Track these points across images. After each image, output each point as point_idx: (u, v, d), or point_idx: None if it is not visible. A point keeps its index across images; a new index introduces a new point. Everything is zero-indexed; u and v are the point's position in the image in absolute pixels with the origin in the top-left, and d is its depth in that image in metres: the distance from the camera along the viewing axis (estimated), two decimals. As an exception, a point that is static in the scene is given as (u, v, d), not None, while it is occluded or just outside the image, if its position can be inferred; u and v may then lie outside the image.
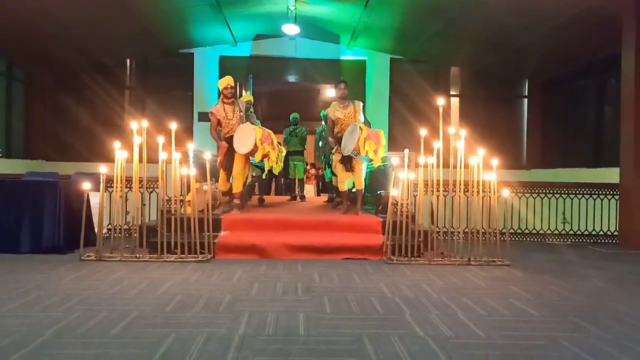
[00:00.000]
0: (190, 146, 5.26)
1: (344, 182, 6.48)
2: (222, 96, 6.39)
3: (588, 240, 7.34)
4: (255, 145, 5.88)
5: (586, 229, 7.31)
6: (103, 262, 4.93)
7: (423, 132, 5.51)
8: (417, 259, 5.27)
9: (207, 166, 5.35)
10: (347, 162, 6.28)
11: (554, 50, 9.37)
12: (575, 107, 10.21)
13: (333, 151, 6.48)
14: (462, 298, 3.72)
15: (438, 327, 2.98)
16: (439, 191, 5.43)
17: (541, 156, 11.06)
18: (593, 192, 7.41)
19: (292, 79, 11.46)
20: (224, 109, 6.33)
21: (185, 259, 5.04)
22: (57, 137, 10.81)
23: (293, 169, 9.75)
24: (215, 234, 5.65)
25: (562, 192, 7.45)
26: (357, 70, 10.95)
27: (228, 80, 6.36)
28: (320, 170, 15.04)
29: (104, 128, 10.61)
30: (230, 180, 6.48)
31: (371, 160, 6.13)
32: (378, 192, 6.72)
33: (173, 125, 5.37)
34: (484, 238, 5.31)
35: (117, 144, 5.27)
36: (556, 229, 7.33)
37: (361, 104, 6.51)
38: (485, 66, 10.89)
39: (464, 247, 5.31)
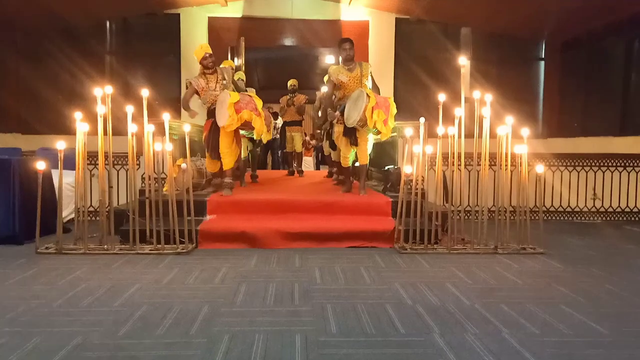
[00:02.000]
0: (166, 117, 4.42)
1: (347, 157, 5.65)
2: (201, 67, 5.52)
3: (622, 218, 6.57)
4: (230, 114, 5.05)
5: (619, 206, 6.53)
6: (63, 256, 4.15)
7: (442, 97, 4.66)
8: (435, 246, 4.50)
9: (187, 140, 4.51)
10: (351, 135, 5.45)
11: (575, 7, 8.42)
12: (598, 70, 9.28)
13: (334, 121, 5.63)
14: (500, 305, 2.95)
15: (482, 358, 2.21)
16: (460, 165, 4.60)
17: (559, 124, 10.19)
18: (625, 163, 6.60)
19: (288, 42, 10.48)
20: (205, 78, 5.47)
21: (161, 251, 4.26)
22: (35, 108, 9.92)
23: (290, 141, 8.93)
24: (200, 218, 4.87)
25: (591, 164, 6.63)
26: (360, 32, 9.96)
27: (204, 48, 5.48)
28: (320, 142, 14.21)
29: (81, 98, 9.70)
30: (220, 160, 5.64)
31: (379, 133, 5.29)
32: (387, 168, 5.90)
33: (145, 92, 4.51)
34: (512, 218, 4.53)
35: (78, 115, 4.42)
36: (585, 205, 6.54)
37: (370, 66, 5.63)
38: (499, 26, 9.91)
39: (488, 230, 4.53)
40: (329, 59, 14.18)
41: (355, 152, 5.59)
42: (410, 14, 10.21)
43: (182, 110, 5.56)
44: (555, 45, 10.38)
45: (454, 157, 4.57)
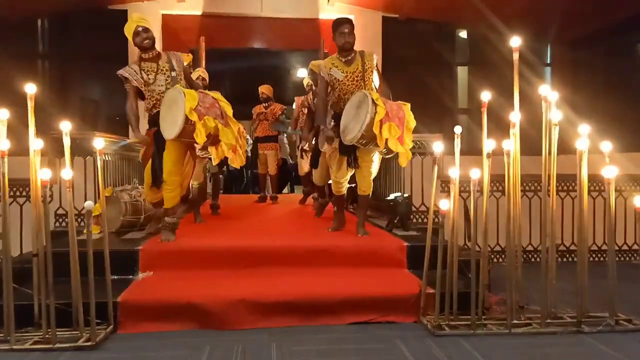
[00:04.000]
0: (66, 126, 2.80)
1: (341, 182, 4.13)
2: (138, 53, 3.93)
3: None
4: (189, 121, 3.45)
5: None
6: None
7: (485, 96, 3.19)
8: (484, 320, 2.97)
9: (98, 163, 2.90)
10: (349, 154, 3.94)
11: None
12: (621, 70, 7.95)
13: (326, 135, 4.10)
14: None
15: None
16: (516, 192, 3.10)
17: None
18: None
19: (257, 44, 8.96)
20: (142, 69, 3.87)
21: (52, 345, 2.61)
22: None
23: (263, 161, 7.36)
24: (128, 278, 3.27)
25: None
26: (341, 32, 8.59)
27: (136, 20, 3.86)
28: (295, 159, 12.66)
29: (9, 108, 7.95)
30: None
31: (389, 153, 3.80)
32: (393, 197, 4.38)
33: (30, 88, 2.89)
34: (595, 257, 3.07)
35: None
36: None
37: (375, 57, 4.14)
38: (499, 26, 8.64)
39: (558, 288, 3.04)
40: (301, 72, 12.73)
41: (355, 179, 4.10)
42: (399, 12, 8.85)
43: (131, 128, 3.92)
44: (563, 46, 9.13)
45: (510, 181, 3.07)
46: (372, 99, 3.65)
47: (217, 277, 3.28)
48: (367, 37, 8.61)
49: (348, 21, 4.05)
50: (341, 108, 3.99)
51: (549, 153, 3.02)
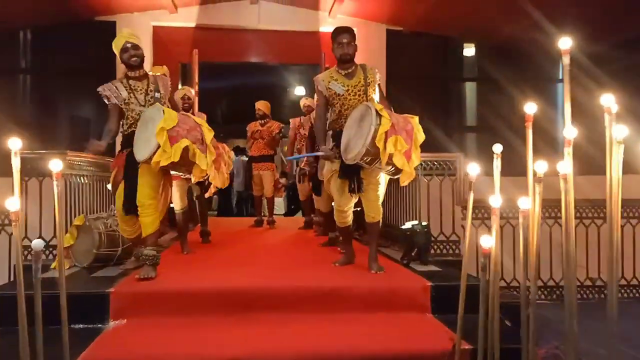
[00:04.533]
0: (15, 144, 2.23)
1: (345, 211, 3.57)
2: (124, 70, 3.47)
3: None
4: (160, 142, 2.95)
5: None
6: None
7: (530, 108, 2.65)
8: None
9: (55, 188, 2.33)
10: (352, 176, 3.40)
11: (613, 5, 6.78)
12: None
13: (321, 153, 3.57)
14: None
15: None
16: (568, 219, 2.55)
17: (595, 159, 8.43)
18: None
19: (253, 58, 8.47)
20: (127, 86, 3.39)
21: None
22: None
23: (258, 182, 6.81)
24: (97, 327, 2.69)
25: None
26: (343, 45, 8.13)
27: (126, 36, 3.44)
28: (292, 180, 12.08)
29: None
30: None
31: (397, 173, 3.27)
32: (410, 226, 3.81)
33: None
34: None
35: None
36: None
37: (377, 72, 3.65)
38: (511, 38, 8.19)
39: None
40: (299, 90, 12.28)
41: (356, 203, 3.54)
42: (404, 25, 8.40)
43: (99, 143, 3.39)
44: (582, 59, 8.67)
45: (565, 208, 2.51)
46: (376, 110, 3.16)
47: (204, 327, 2.69)
48: (370, 51, 8.13)
49: (347, 30, 3.58)
50: (341, 125, 3.49)
51: (612, 174, 2.47)
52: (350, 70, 3.55)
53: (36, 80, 8.20)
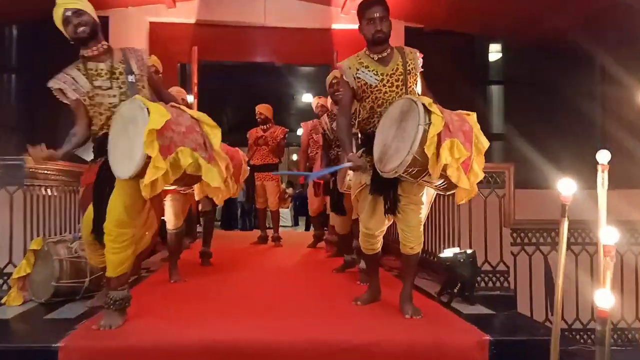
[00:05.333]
0: None
1: (375, 235, 2.81)
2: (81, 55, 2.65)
3: None
4: (150, 154, 2.19)
5: None
6: None
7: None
8: None
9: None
10: (387, 192, 2.65)
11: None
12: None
13: (349, 165, 2.81)
14: None
15: None
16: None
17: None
18: None
19: (258, 58, 7.76)
20: (86, 72, 2.58)
21: None
22: None
23: (262, 194, 6.07)
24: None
25: None
26: (358, 44, 7.35)
27: (63, 2, 2.54)
28: (299, 190, 11.32)
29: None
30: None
31: (450, 189, 2.54)
32: (451, 255, 3.03)
33: None
34: None
35: None
36: None
37: (419, 57, 2.90)
38: (543, 38, 7.43)
39: None
40: (306, 97, 11.57)
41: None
42: (425, 22, 7.67)
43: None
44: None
45: None
46: (424, 105, 2.40)
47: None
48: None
49: (379, 2, 2.79)
50: (373, 126, 2.75)
51: None
52: (384, 55, 2.80)
53: (22, 80, 7.54)
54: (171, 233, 3.72)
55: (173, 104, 2.55)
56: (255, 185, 6.07)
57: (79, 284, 2.98)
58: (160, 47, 7.39)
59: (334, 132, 4.20)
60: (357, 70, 2.81)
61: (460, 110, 2.69)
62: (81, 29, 2.52)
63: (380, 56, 2.81)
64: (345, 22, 7.33)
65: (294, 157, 15.44)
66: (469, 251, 2.97)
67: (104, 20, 7.17)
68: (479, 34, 7.92)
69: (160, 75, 4.15)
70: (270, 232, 6.15)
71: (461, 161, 2.40)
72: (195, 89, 6.91)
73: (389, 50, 2.83)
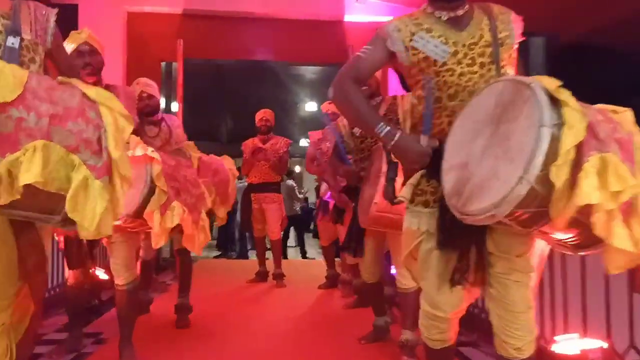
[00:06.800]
0: None
1: (447, 316, 1.60)
2: None
3: None
4: None
5: None
6: None
7: None
8: None
9: None
10: (468, 246, 1.47)
11: None
12: None
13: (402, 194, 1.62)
14: None
15: None
16: None
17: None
18: None
19: (256, 55, 6.66)
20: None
21: None
22: None
23: (260, 219, 4.92)
24: None
25: None
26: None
27: None
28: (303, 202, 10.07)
29: None
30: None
31: (586, 246, 1.32)
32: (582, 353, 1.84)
33: None
34: None
35: None
36: None
37: (515, 18, 1.68)
38: (591, 33, 6.40)
39: None
40: (310, 105, 10.52)
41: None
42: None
43: None
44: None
45: None
46: (547, 90, 1.27)
47: None
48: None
49: None
50: (439, 133, 1.58)
51: None
52: (460, 12, 1.63)
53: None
54: (121, 291, 2.50)
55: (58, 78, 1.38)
56: (252, 209, 4.91)
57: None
58: (140, 43, 6.30)
59: (355, 138, 3.04)
60: (413, 35, 1.63)
61: (600, 105, 1.49)
62: None
63: (453, 14, 1.63)
64: (361, 12, 6.21)
65: (297, 168, 14.32)
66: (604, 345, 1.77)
67: (73, 9, 6.06)
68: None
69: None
70: (270, 263, 4.99)
71: (623, 199, 1.24)
72: (181, 90, 5.77)
73: (466, 6, 1.66)
